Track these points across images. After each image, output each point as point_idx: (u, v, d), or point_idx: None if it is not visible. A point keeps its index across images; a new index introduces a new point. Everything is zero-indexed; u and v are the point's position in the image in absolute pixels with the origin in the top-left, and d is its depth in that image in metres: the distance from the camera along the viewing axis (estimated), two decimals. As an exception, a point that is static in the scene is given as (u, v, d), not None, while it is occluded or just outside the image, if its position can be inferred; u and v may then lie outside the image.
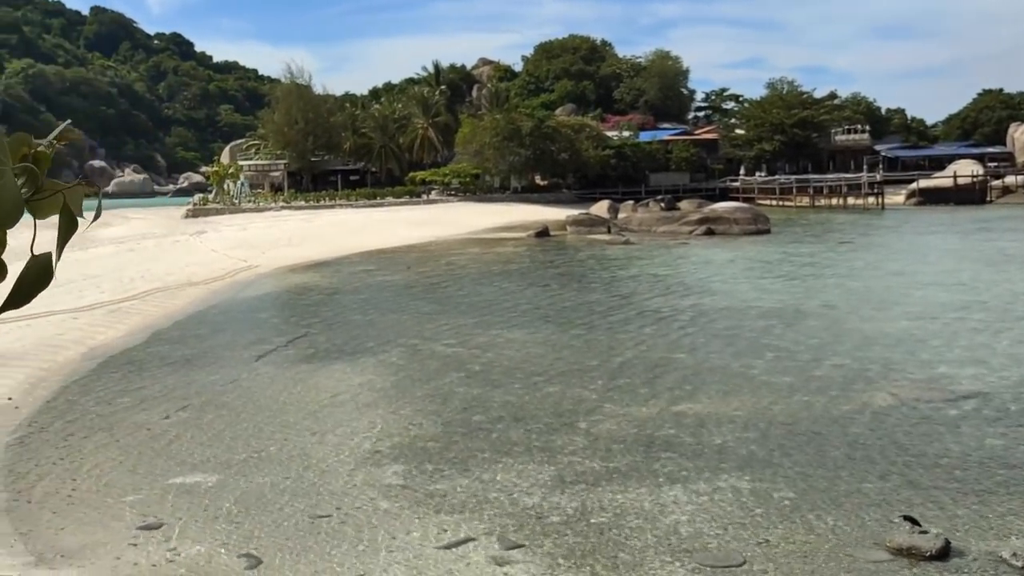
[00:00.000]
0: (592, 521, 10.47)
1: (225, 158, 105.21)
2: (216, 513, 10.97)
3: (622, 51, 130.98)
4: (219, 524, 10.62)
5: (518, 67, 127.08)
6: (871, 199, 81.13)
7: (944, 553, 9.06)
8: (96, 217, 1.61)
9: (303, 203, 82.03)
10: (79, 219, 1.51)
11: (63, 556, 9.72)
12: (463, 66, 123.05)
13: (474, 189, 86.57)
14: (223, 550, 9.87)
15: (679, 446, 13.17)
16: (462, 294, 30.75)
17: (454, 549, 9.78)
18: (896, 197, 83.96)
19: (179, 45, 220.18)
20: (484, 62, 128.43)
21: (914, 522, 9.69)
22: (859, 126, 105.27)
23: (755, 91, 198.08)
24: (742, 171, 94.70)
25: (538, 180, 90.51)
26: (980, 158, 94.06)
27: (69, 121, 1.81)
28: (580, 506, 10.92)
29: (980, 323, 22.68)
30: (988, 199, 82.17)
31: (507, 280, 34.68)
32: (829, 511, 10.52)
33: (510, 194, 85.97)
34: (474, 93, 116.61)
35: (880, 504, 10.69)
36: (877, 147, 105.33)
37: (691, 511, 10.65)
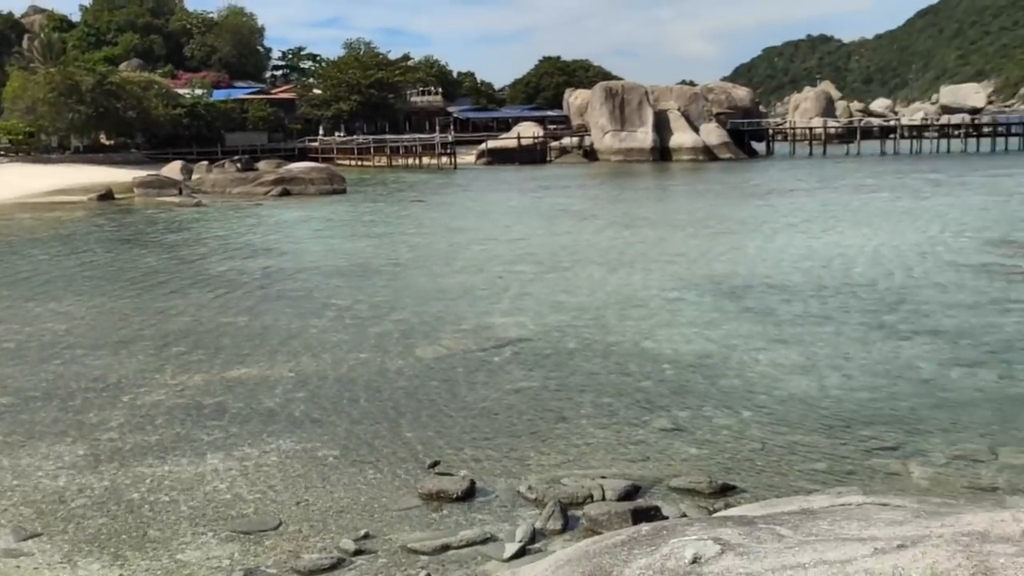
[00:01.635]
0: (123, 499, 9.82)
1: None
2: None
3: (193, 5, 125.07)
4: None
5: (76, 17, 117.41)
6: (444, 159, 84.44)
7: (470, 493, 9.51)
8: None
9: None
10: None
11: None
12: (10, 13, 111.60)
13: (28, 149, 78.98)
14: None
15: (228, 413, 12.77)
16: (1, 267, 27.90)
17: (-44, 549, 8.73)
18: (468, 157, 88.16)
19: None
20: (36, 10, 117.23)
21: (436, 465, 10.21)
22: (432, 88, 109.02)
23: (336, 51, 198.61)
24: (320, 131, 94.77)
25: (103, 140, 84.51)
26: (541, 121, 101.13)
27: None
28: (111, 485, 10.21)
29: (529, 274, 24.26)
30: (548, 159, 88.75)
31: (59, 247, 32.00)
32: (369, 465, 10.67)
33: (71, 154, 79.27)
34: (24, 44, 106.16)
35: (417, 454, 11.00)
36: (450, 109, 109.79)
37: (231, 478, 10.33)
